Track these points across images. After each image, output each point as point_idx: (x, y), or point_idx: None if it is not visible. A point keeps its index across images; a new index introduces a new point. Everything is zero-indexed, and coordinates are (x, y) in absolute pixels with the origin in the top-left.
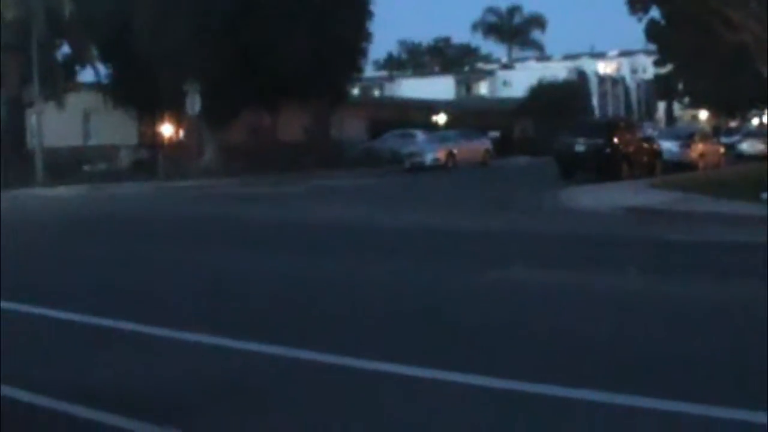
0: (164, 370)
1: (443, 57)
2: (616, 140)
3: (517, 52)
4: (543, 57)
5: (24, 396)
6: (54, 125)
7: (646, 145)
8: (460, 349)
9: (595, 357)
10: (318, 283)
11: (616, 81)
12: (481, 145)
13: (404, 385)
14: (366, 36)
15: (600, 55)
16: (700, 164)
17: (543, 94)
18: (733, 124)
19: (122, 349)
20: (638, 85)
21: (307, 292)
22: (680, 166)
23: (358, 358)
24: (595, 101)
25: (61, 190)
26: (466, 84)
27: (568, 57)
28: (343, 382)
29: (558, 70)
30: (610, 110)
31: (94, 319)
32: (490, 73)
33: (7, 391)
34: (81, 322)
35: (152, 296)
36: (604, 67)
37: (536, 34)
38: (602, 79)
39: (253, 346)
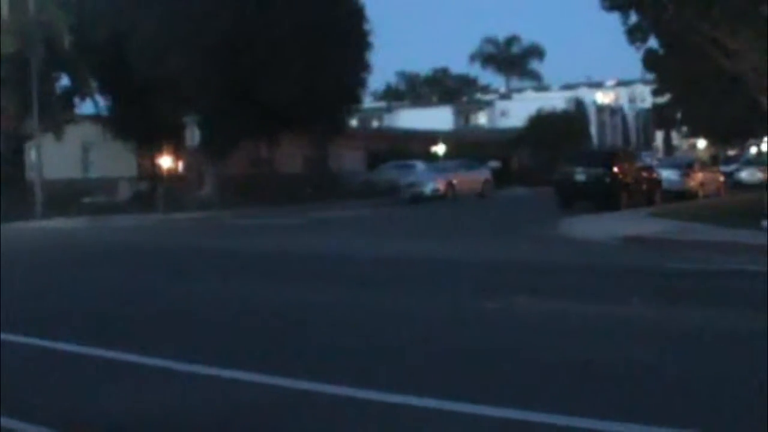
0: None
1: (442, 87)
2: (615, 170)
3: (515, 83)
4: (541, 87)
5: None
6: (53, 157)
7: (645, 174)
8: (461, 378)
9: (597, 385)
10: (317, 314)
11: (614, 110)
12: (481, 175)
13: (414, 416)
14: (364, 67)
15: (598, 85)
16: (700, 193)
17: (541, 124)
18: (731, 152)
19: (138, 382)
20: (636, 115)
21: (306, 322)
22: (680, 195)
23: (370, 390)
24: (593, 131)
25: (60, 222)
26: (464, 114)
27: (566, 87)
28: (354, 414)
29: (556, 100)
30: (609, 140)
31: (97, 350)
32: (488, 104)
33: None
34: (81, 354)
35: (146, 326)
36: (603, 97)
37: (534, 64)
38: (600, 109)
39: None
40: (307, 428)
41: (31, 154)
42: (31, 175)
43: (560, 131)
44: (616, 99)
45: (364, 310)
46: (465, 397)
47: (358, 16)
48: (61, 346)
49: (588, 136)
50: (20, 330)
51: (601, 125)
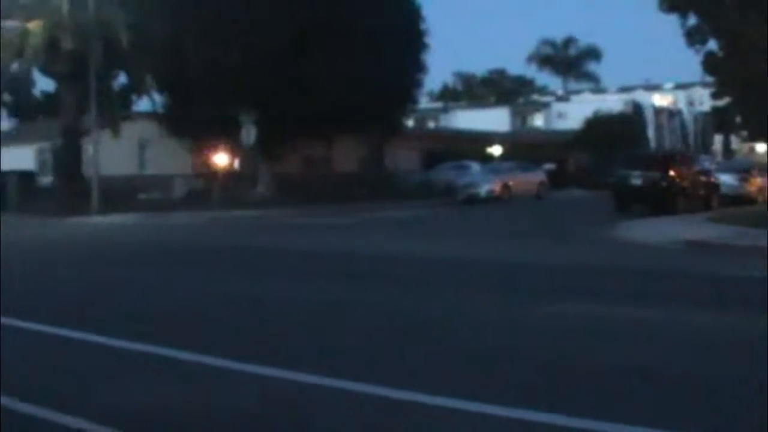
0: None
1: (498, 88)
2: (672, 173)
3: (572, 84)
4: (598, 89)
5: None
6: (110, 154)
7: (703, 178)
8: (523, 384)
9: (658, 392)
10: (367, 314)
11: (672, 113)
12: (536, 177)
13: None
14: (421, 67)
15: (656, 87)
16: (759, 198)
17: (598, 126)
18: None
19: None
20: (695, 118)
21: (357, 322)
22: (738, 199)
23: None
24: (651, 134)
25: (116, 219)
26: (521, 116)
27: (623, 89)
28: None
29: (613, 103)
30: (667, 143)
31: (133, 344)
32: (545, 105)
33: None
34: (120, 348)
35: (218, 327)
36: (660, 100)
37: (592, 65)
38: (658, 112)
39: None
40: None
41: (89, 151)
42: (88, 171)
43: (617, 134)
44: (675, 102)
45: (429, 315)
46: (541, 406)
47: (414, 16)
48: (136, 346)
49: (645, 139)
50: (107, 331)
51: (658, 128)
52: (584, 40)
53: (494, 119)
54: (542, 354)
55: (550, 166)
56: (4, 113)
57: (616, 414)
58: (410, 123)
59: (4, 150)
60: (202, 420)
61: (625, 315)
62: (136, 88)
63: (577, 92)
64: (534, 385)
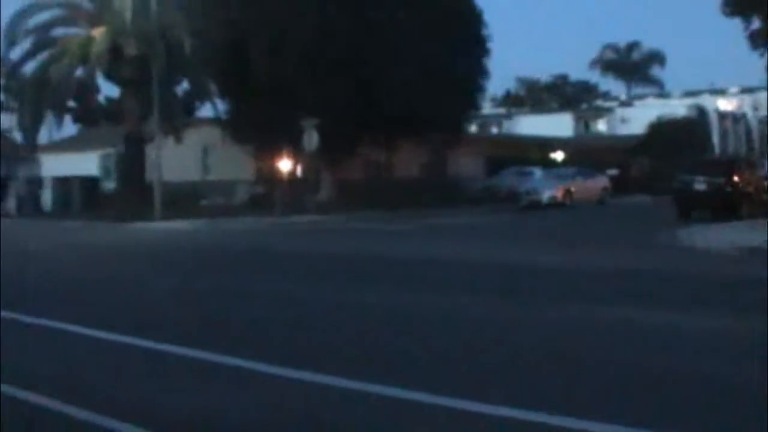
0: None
1: (562, 94)
2: (736, 179)
3: (636, 89)
4: (662, 94)
5: None
6: (172, 160)
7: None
8: (588, 393)
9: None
10: (422, 320)
11: (737, 118)
12: (599, 183)
13: None
14: (483, 73)
15: (720, 92)
16: None
17: (662, 131)
18: None
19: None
20: (760, 123)
21: (416, 328)
22: None
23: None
24: (715, 139)
25: (178, 224)
26: (584, 121)
27: (688, 93)
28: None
29: (677, 107)
30: (731, 148)
31: (192, 351)
32: (608, 110)
33: None
34: (185, 356)
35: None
36: (725, 104)
37: (655, 70)
38: (723, 116)
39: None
40: None
41: (152, 157)
42: (150, 177)
43: (681, 139)
44: (740, 106)
45: (497, 323)
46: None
47: (477, 21)
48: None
49: (710, 144)
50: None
51: (723, 133)
52: (648, 44)
53: (557, 125)
54: (617, 362)
55: (613, 171)
56: (69, 119)
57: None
58: (473, 129)
59: (68, 155)
60: None
61: (684, 322)
62: (198, 94)
63: (641, 97)
64: (620, 397)
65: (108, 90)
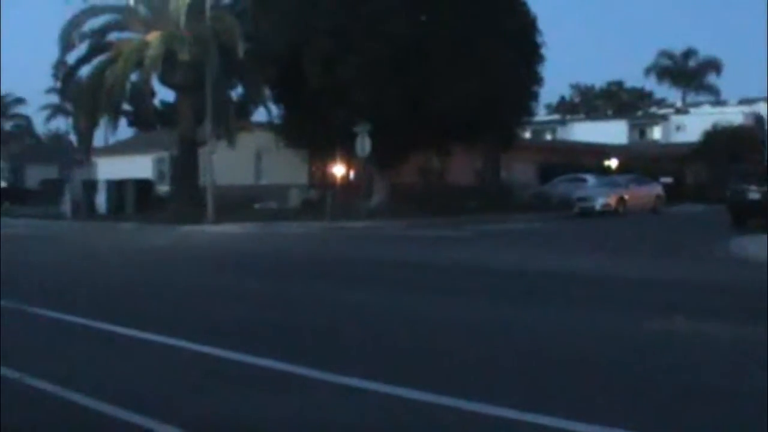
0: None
1: (616, 100)
2: None
3: (691, 96)
4: (718, 101)
5: None
6: (226, 164)
7: None
8: (631, 404)
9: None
10: (467, 328)
11: None
12: (653, 191)
13: None
14: (537, 79)
15: None
16: None
17: (717, 139)
18: None
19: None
20: None
21: (459, 336)
22: None
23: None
24: None
25: (231, 227)
26: (639, 128)
27: (744, 101)
28: None
29: (733, 115)
30: None
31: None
32: (663, 118)
33: None
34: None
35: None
36: None
37: (711, 77)
38: None
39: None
40: None
41: (205, 160)
42: (204, 180)
43: (736, 147)
44: None
45: (548, 331)
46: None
47: (530, 28)
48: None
49: (766, 152)
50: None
51: None
52: (704, 51)
53: (612, 132)
54: (664, 375)
55: (667, 179)
56: (124, 123)
57: None
58: (527, 135)
59: (123, 159)
60: None
61: (731, 334)
62: (252, 98)
63: (697, 104)
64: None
65: (163, 94)
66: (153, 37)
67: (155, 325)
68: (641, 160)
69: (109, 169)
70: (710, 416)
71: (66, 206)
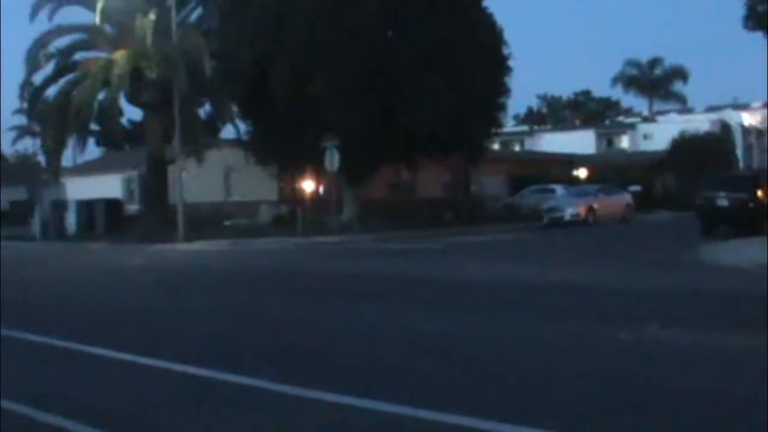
0: None
1: (584, 110)
2: (760, 194)
3: (658, 105)
4: (685, 109)
5: None
6: (195, 181)
7: None
8: (610, 413)
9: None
10: (452, 340)
11: (761, 132)
12: (622, 200)
13: None
14: (505, 91)
15: (744, 106)
16: None
17: (685, 147)
18: None
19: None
20: None
21: (452, 350)
22: None
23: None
24: (739, 153)
25: (202, 245)
26: (607, 137)
27: (711, 108)
28: None
29: (701, 123)
30: (756, 163)
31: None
32: (631, 127)
33: None
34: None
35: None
36: (749, 119)
37: (678, 86)
38: (747, 131)
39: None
40: None
41: (174, 178)
42: (174, 198)
43: (704, 154)
44: (763, 120)
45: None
46: None
47: (497, 39)
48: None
49: (734, 159)
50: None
51: (747, 148)
52: (670, 60)
53: (580, 142)
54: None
55: (636, 188)
56: (92, 142)
57: None
58: (495, 147)
59: (92, 178)
60: None
61: (707, 340)
62: (220, 115)
63: (664, 113)
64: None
65: (130, 113)
66: (120, 55)
67: (134, 345)
68: (609, 170)
69: (78, 189)
70: (684, 423)
71: (35, 227)
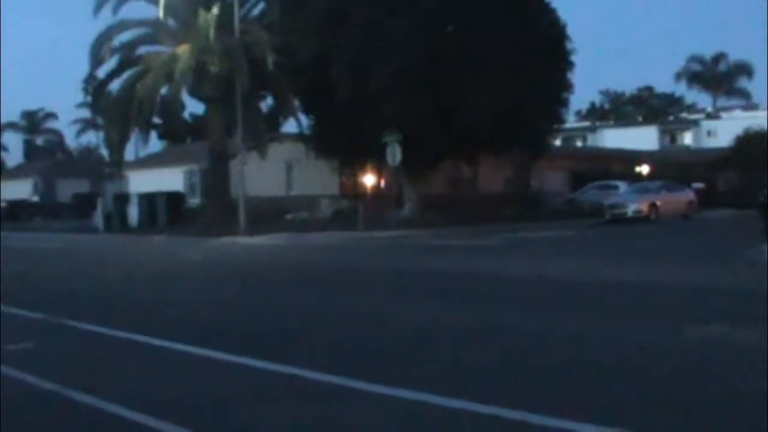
0: None
1: (646, 106)
2: None
3: (722, 101)
4: (750, 106)
5: None
6: (257, 175)
7: None
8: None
9: None
10: (509, 338)
11: None
12: (685, 197)
13: None
14: (567, 86)
15: None
16: None
17: (749, 143)
18: None
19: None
20: None
21: (493, 344)
22: None
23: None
24: None
25: (263, 239)
26: (670, 134)
27: None
28: None
29: (765, 119)
30: None
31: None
32: (694, 123)
33: None
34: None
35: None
36: None
37: (743, 81)
38: None
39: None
40: None
41: (236, 172)
42: (235, 192)
43: None
44: None
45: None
46: None
47: (560, 35)
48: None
49: None
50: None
51: None
52: (735, 55)
53: (642, 138)
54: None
55: (698, 185)
56: (155, 136)
57: None
58: (557, 142)
59: (154, 172)
60: None
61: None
62: (282, 110)
63: (728, 109)
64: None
65: (193, 107)
66: (182, 50)
67: (226, 341)
68: (672, 166)
69: (140, 182)
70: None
71: (98, 220)
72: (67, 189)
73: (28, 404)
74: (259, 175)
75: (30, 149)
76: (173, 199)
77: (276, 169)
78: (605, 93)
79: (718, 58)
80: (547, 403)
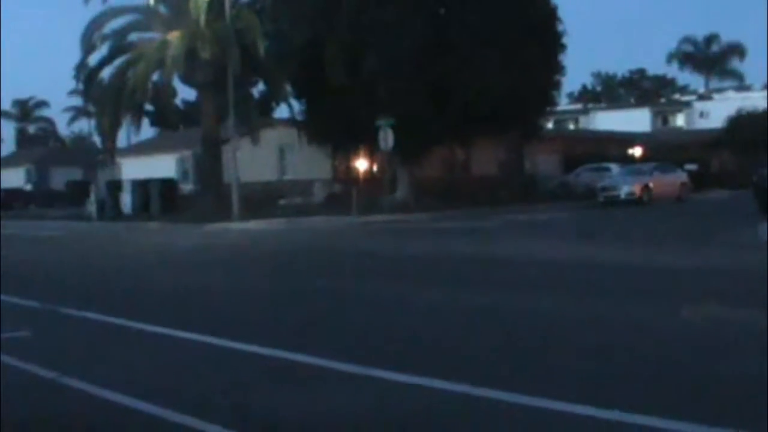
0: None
1: (639, 88)
2: None
3: (715, 82)
4: (742, 87)
5: None
6: (249, 161)
7: None
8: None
9: None
10: (507, 320)
11: None
12: (678, 178)
13: None
14: (559, 69)
15: None
16: None
17: (742, 125)
18: None
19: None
20: None
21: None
22: None
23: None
24: None
25: (258, 224)
26: (662, 116)
27: None
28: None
29: (758, 100)
30: None
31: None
32: (687, 105)
33: None
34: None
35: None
36: None
37: (735, 63)
38: None
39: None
40: None
41: (229, 158)
42: (228, 178)
43: (761, 132)
44: None
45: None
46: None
47: (551, 17)
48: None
49: None
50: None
51: None
52: (727, 36)
53: (635, 120)
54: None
55: (692, 166)
56: (147, 123)
57: None
58: (549, 125)
59: (146, 158)
60: None
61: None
62: (274, 95)
63: (720, 90)
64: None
65: (184, 93)
66: (174, 36)
67: (231, 329)
68: (665, 148)
69: (133, 169)
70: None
71: (92, 207)
72: (60, 177)
73: (26, 392)
74: (252, 160)
75: (22, 137)
76: (166, 185)
77: (269, 154)
78: (597, 75)
79: (711, 39)
80: (548, 386)
